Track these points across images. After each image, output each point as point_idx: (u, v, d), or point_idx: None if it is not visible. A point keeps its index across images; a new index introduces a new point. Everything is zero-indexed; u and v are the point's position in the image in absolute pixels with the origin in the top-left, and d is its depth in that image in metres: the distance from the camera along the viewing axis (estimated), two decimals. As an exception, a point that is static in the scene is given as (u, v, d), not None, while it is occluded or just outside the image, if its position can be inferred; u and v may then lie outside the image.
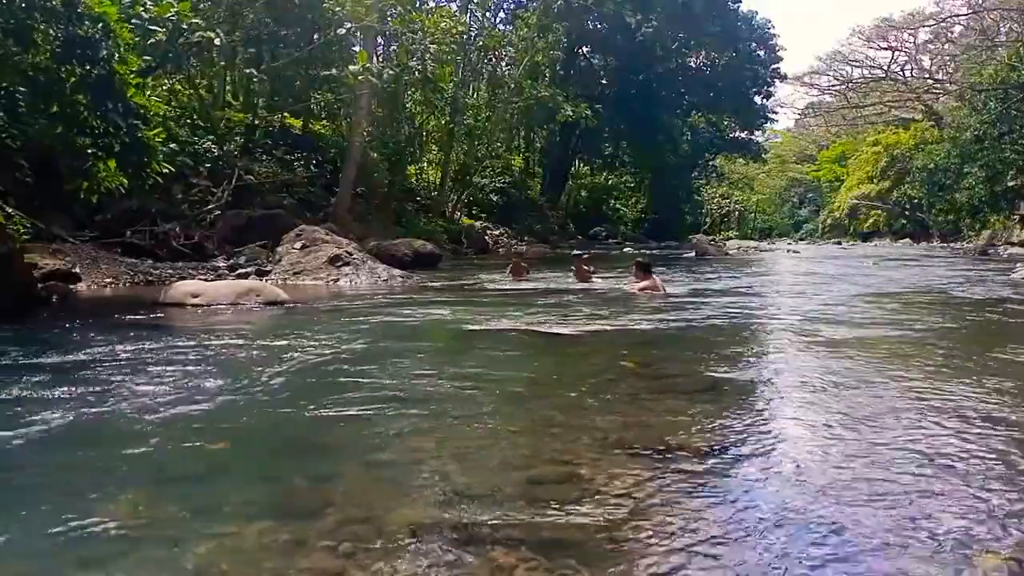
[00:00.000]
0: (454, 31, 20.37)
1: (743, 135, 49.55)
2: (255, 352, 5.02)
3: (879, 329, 6.57)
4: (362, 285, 10.93)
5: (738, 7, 43.40)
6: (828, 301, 9.27)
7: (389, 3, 16.77)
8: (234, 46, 16.02)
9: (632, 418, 3.41)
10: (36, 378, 4.02)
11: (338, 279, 11.22)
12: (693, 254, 24.56)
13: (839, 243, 46.84)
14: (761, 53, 44.72)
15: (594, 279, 11.80)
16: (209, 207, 14.61)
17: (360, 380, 4.30)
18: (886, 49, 50.65)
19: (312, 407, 3.68)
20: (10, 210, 8.93)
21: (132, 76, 7.39)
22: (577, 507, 2.34)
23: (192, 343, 5.34)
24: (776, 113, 74.59)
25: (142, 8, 8.32)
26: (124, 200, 10.74)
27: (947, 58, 47.61)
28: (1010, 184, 31.94)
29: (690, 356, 5.20)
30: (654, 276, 10.15)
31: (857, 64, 52.81)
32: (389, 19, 17.78)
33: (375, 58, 22.06)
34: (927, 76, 49.69)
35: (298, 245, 12.19)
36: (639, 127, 40.42)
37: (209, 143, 16.30)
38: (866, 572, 1.97)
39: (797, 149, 73.39)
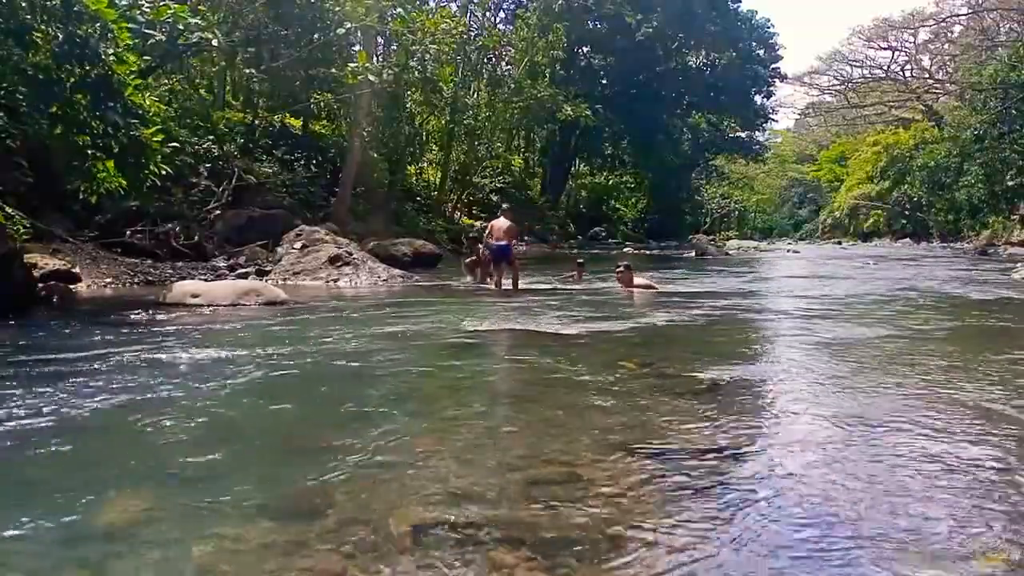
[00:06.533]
0: (454, 31, 20.37)
1: (743, 135, 49.57)
2: (255, 352, 5.02)
3: (879, 329, 6.56)
4: (362, 285, 10.93)
5: (738, 7, 43.45)
6: (828, 301, 9.27)
7: (389, 4, 16.75)
8: (234, 46, 16.00)
9: (632, 418, 3.40)
10: (35, 378, 4.02)
11: (338, 279, 11.22)
12: (693, 254, 24.58)
13: (839, 243, 46.88)
14: (761, 53, 44.76)
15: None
16: (209, 207, 14.61)
17: (360, 380, 4.31)
18: (886, 49, 50.75)
19: (312, 407, 3.69)
20: (10, 210, 8.92)
21: (131, 76, 7.39)
22: (577, 507, 2.33)
23: (192, 343, 5.34)
24: (776, 113, 74.76)
25: (139, 12, 8.33)
26: (124, 200, 10.74)
27: (947, 58, 47.67)
28: (1010, 184, 31.96)
29: (690, 356, 5.20)
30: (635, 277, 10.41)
31: (857, 64, 52.92)
32: (389, 19, 17.77)
33: (375, 58, 22.07)
34: (927, 76, 49.75)
35: (298, 245, 12.20)
36: (639, 127, 40.42)
37: (209, 143, 16.29)
38: (867, 572, 1.96)
39: (797, 149, 73.50)
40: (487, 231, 10.79)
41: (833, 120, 62.47)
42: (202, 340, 5.52)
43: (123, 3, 8.06)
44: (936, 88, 48.50)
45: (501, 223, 10.48)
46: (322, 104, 19.41)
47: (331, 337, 5.69)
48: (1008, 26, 38.96)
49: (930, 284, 12.11)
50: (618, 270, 10.48)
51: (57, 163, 9.83)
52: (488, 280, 11.15)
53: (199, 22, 10.32)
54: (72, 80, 6.93)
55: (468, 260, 12.27)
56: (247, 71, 17.82)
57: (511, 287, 10.35)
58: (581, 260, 12.93)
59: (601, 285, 11.25)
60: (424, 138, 26.14)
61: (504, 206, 11.54)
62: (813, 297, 9.93)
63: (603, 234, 39.61)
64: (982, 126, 32.83)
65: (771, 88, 46.93)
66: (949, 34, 46.41)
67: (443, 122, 25.05)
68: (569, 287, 11.22)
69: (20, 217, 9.17)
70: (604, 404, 3.69)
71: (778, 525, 2.24)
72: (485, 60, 27.22)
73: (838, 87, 55.69)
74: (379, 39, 22.72)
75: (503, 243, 10.24)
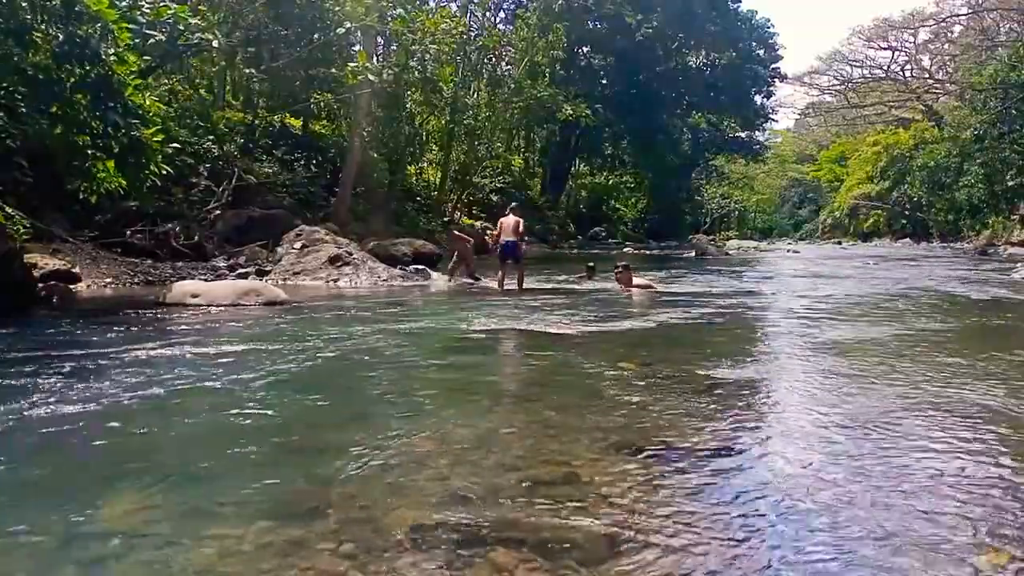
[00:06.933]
0: (454, 31, 20.37)
1: (743, 135, 49.57)
2: (254, 352, 5.02)
3: (879, 329, 6.57)
4: (362, 285, 10.93)
5: (738, 7, 43.46)
6: (828, 301, 9.27)
7: (389, 4, 16.76)
8: (234, 46, 16.00)
9: (632, 418, 3.40)
10: (35, 378, 4.02)
11: (338, 279, 11.22)
12: (693, 254, 24.58)
13: (839, 243, 46.91)
14: (761, 52, 44.78)
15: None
16: (209, 207, 14.61)
17: (359, 380, 4.31)
18: (886, 49, 50.76)
19: (312, 407, 3.69)
20: (10, 210, 8.92)
21: (131, 76, 7.39)
22: (577, 507, 2.34)
23: (192, 343, 5.34)
24: (776, 113, 74.76)
25: (139, 12, 8.34)
26: (124, 200, 10.73)
27: (947, 58, 47.67)
28: (1010, 184, 31.98)
29: (690, 356, 5.20)
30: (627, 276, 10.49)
31: (857, 64, 52.94)
32: (389, 19, 17.78)
33: (375, 58, 22.07)
34: (927, 76, 49.76)
35: (298, 245, 12.19)
36: (639, 127, 40.43)
37: (209, 143, 16.29)
38: (867, 572, 1.96)
39: (797, 149, 73.51)
40: (497, 228, 10.86)
41: (833, 120, 62.48)
42: (201, 340, 5.52)
43: (123, 4, 8.06)
44: (936, 88, 48.52)
45: (509, 220, 10.59)
46: (322, 104, 19.41)
47: (330, 337, 5.69)
48: (1008, 26, 38.98)
49: (930, 284, 12.11)
50: (617, 270, 10.53)
51: (57, 163, 9.82)
52: (476, 276, 11.26)
53: (199, 23, 10.33)
54: (72, 80, 6.93)
55: (451, 266, 12.12)
56: (247, 71, 17.82)
57: (515, 287, 10.43)
58: (591, 264, 13.02)
59: (601, 285, 11.25)
60: (424, 138, 26.12)
61: (513, 204, 11.69)
62: (813, 297, 9.93)
63: (603, 234, 39.58)
64: (982, 126, 32.84)
65: (771, 88, 46.99)
66: (949, 34, 46.45)
67: (443, 122, 25.04)
68: (569, 287, 11.23)
69: (20, 217, 9.17)
70: (604, 404, 3.69)
71: (778, 525, 2.24)
72: (485, 60, 27.20)
73: (838, 87, 55.71)
74: (379, 39, 22.72)
75: (510, 240, 10.34)
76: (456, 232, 12.23)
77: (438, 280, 11.77)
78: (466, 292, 10.54)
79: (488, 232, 11.71)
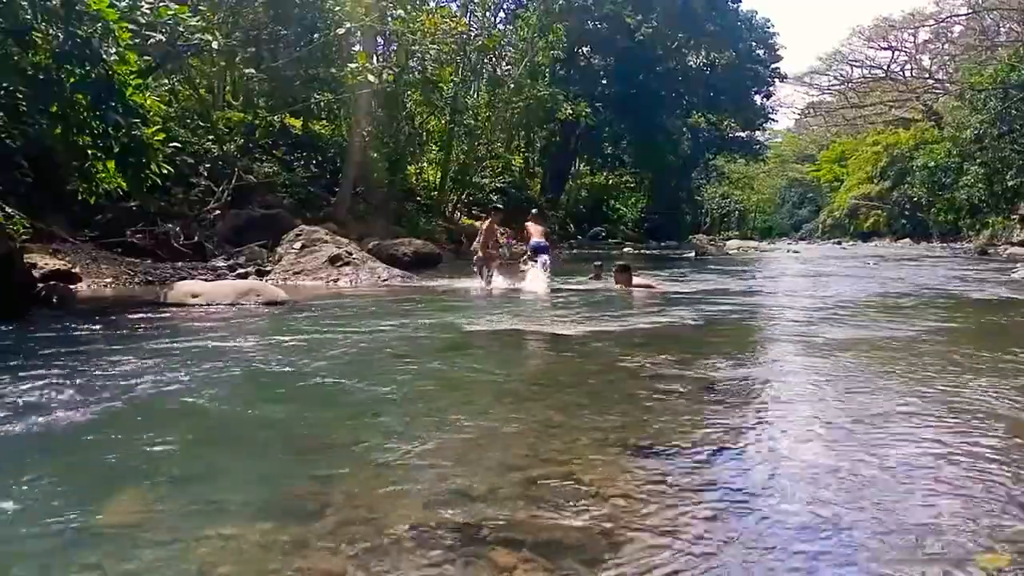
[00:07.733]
0: (454, 31, 20.37)
1: (743, 135, 49.60)
2: (254, 352, 5.02)
3: (879, 329, 6.56)
4: (362, 285, 10.93)
5: (738, 7, 43.48)
6: (828, 301, 9.27)
7: (389, 4, 16.75)
8: (234, 46, 16.00)
9: (632, 418, 3.40)
10: (35, 378, 4.01)
11: (338, 279, 11.22)
12: (693, 254, 24.61)
13: (839, 243, 46.95)
14: (761, 52, 44.81)
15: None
16: (209, 207, 14.61)
17: (360, 380, 4.30)
18: (886, 49, 50.85)
19: (312, 406, 3.68)
20: (10, 210, 8.93)
21: (131, 76, 7.39)
22: (577, 507, 2.33)
23: (192, 343, 5.34)
24: (776, 113, 74.83)
25: (139, 12, 8.35)
26: (124, 200, 10.74)
27: (947, 58, 47.71)
28: (1010, 184, 32.01)
29: (690, 356, 5.19)
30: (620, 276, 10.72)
31: (857, 64, 53.06)
32: (389, 19, 17.78)
33: (375, 58, 22.06)
34: (927, 76, 49.81)
35: (298, 245, 12.20)
36: (639, 127, 40.45)
37: (209, 143, 16.29)
38: (867, 573, 1.96)
39: (797, 149, 73.60)
40: (525, 232, 11.79)
41: (833, 120, 62.56)
42: (201, 340, 5.52)
43: (123, 4, 8.07)
44: (936, 88, 48.56)
45: (539, 226, 11.75)
46: (322, 104, 19.41)
47: (330, 336, 5.69)
48: (1008, 26, 39.02)
49: (931, 284, 12.12)
50: (616, 270, 10.59)
51: (57, 163, 9.84)
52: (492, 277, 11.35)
53: (199, 23, 10.34)
54: (72, 80, 6.93)
55: (479, 256, 11.82)
56: (247, 71, 17.81)
57: (519, 285, 10.64)
58: (599, 263, 13.10)
59: (606, 285, 11.26)
60: (424, 138, 26.11)
61: (534, 211, 12.99)
62: (814, 297, 9.94)
63: (603, 234, 39.57)
64: (982, 126, 32.89)
65: (771, 88, 47.04)
66: (949, 34, 46.51)
67: (443, 122, 25.04)
68: (570, 287, 11.24)
69: (20, 217, 9.17)
70: (604, 404, 3.69)
71: (778, 525, 2.24)
72: (485, 60, 27.19)
73: (838, 87, 55.81)
74: (379, 39, 22.71)
75: (543, 241, 11.48)
76: (496, 227, 12.06)
77: (452, 282, 11.67)
78: (467, 292, 10.54)
79: (505, 237, 12.41)
